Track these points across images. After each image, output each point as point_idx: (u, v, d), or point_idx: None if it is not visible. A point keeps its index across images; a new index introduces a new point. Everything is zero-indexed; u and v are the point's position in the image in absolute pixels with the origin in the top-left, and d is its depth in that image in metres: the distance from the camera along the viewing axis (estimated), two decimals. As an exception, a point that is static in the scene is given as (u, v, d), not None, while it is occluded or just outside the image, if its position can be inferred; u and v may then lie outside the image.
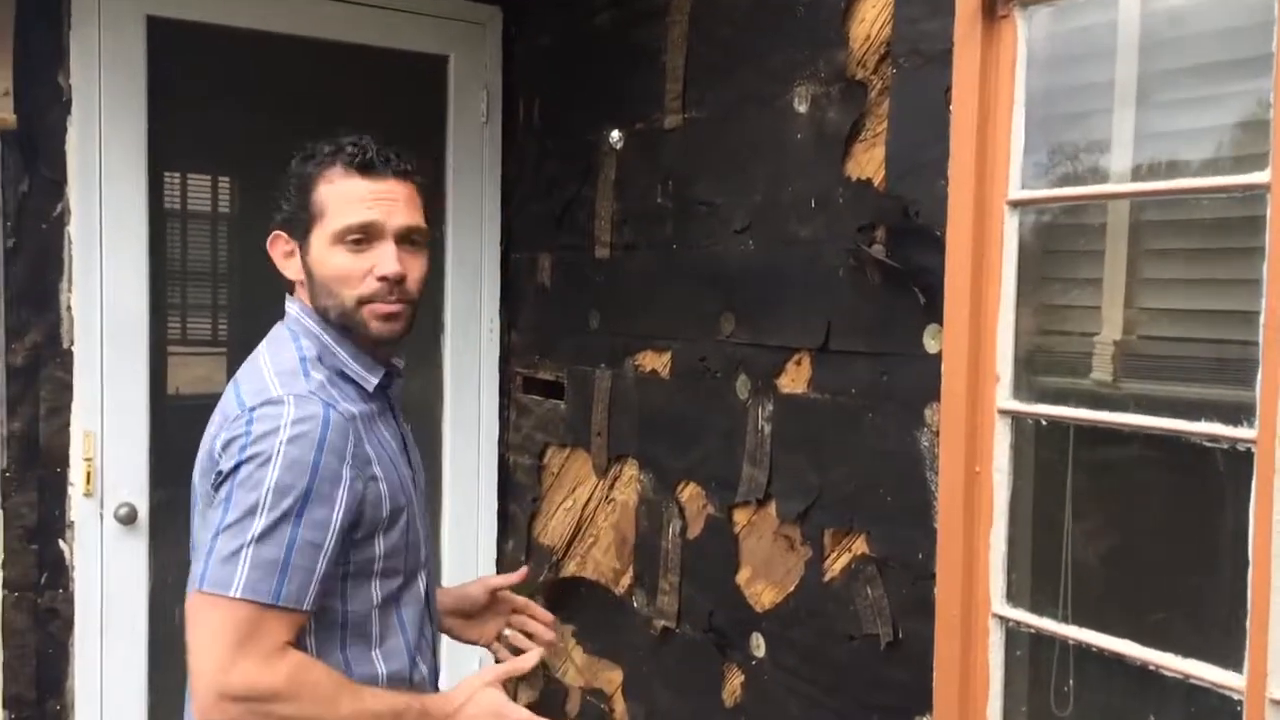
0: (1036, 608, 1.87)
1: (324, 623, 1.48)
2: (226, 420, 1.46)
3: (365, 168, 1.53)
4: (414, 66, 3.30)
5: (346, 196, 1.51)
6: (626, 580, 2.88)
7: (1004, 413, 1.88)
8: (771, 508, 2.39)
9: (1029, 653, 1.89)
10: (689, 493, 2.65)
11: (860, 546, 2.18)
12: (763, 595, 2.42)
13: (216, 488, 1.42)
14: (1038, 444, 1.86)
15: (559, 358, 3.12)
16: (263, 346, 1.59)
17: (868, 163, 2.14)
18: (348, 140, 1.57)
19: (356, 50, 3.16)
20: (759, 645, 2.43)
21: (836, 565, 2.24)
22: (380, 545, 1.51)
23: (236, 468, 1.39)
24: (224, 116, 3.07)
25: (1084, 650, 1.79)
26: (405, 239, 1.56)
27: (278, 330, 1.61)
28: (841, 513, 2.21)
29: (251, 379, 1.50)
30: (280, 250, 1.59)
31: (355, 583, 1.50)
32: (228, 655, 1.33)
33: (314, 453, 1.38)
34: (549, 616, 1.93)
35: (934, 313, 1.99)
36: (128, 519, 2.85)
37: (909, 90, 2.04)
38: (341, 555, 1.46)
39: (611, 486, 2.94)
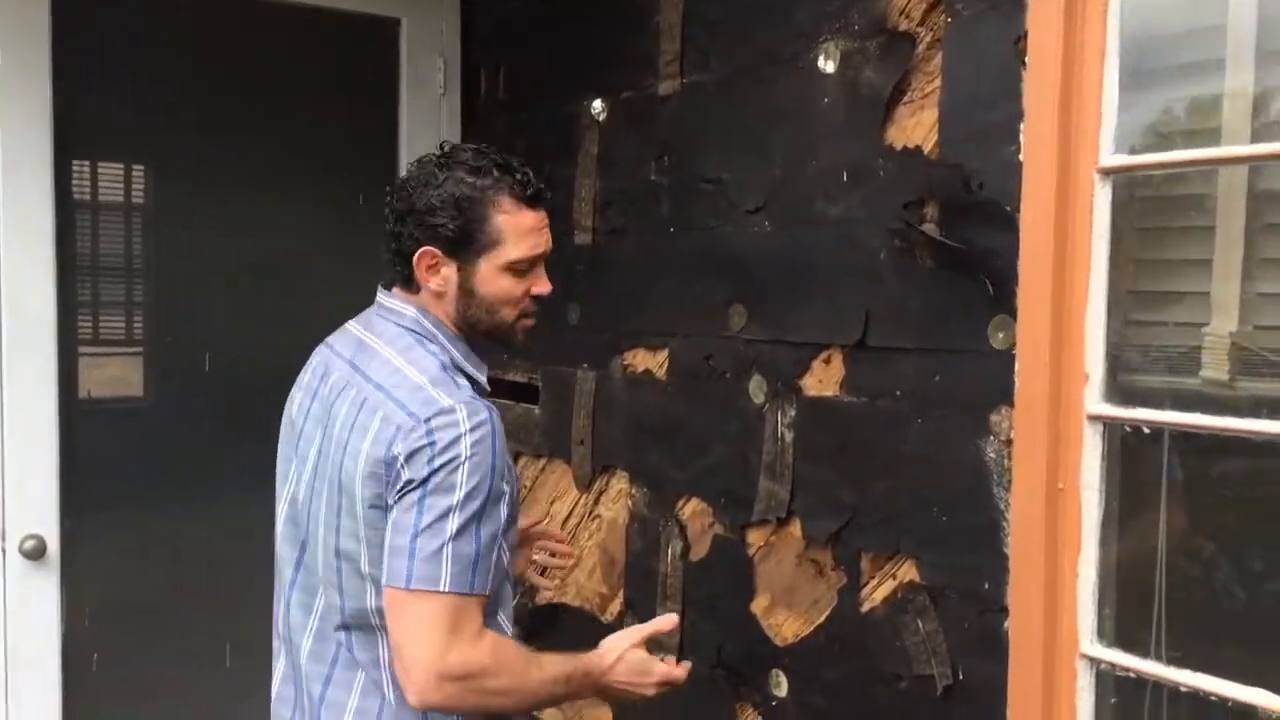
0: (1134, 647, 1.59)
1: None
2: (400, 430, 1.52)
3: (534, 200, 1.65)
4: (361, 32, 2.95)
5: (521, 230, 1.63)
6: (615, 607, 2.55)
7: (1094, 418, 1.60)
8: (795, 527, 2.09)
9: (1125, 700, 1.61)
10: (691, 509, 2.33)
11: (908, 573, 1.88)
12: (784, 627, 2.12)
13: (403, 494, 1.51)
14: (1135, 455, 1.58)
15: (531, 357, 2.78)
16: (381, 346, 1.64)
17: (914, 128, 1.84)
18: (508, 164, 1.65)
19: (295, 13, 2.82)
20: (780, 683, 2.13)
21: (878, 594, 1.94)
22: (505, 538, 1.63)
23: (428, 477, 1.49)
24: (145, 96, 2.72)
25: (1193, 697, 1.52)
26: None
27: (385, 327, 1.67)
28: (884, 534, 1.92)
29: (403, 387, 1.57)
30: (426, 264, 1.62)
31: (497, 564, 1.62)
32: (444, 641, 1.47)
33: (490, 456, 1.52)
34: (563, 536, 2.15)
35: (1002, 302, 1.70)
36: (35, 553, 2.46)
37: (968, 41, 1.75)
38: None
39: (596, 501, 2.61)
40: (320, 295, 2.92)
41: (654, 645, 2.39)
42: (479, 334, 1.69)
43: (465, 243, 1.61)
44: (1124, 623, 1.60)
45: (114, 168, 2.83)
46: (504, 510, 1.57)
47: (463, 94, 3.02)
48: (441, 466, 1.49)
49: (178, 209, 2.83)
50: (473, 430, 1.52)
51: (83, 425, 2.66)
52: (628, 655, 1.71)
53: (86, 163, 2.74)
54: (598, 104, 2.54)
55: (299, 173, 2.88)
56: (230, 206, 2.81)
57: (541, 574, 2.10)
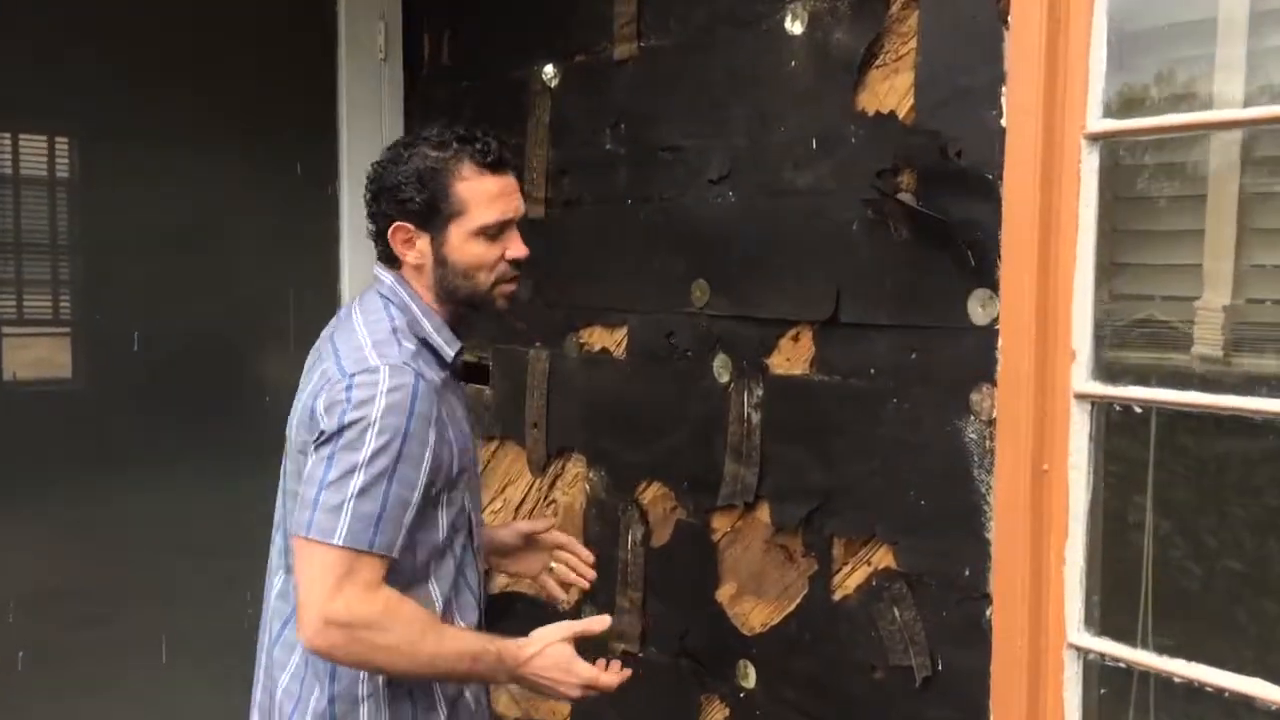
0: (1124, 636, 1.53)
1: (405, 563, 1.61)
2: (329, 382, 1.58)
3: (496, 166, 1.65)
4: (296, -8, 2.79)
5: (484, 195, 1.64)
6: (573, 595, 2.45)
7: (1082, 397, 1.53)
8: (763, 512, 2.00)
9: (1115, 691, 1.55)
10: (652, 494, 2.24)
11: (883, 559, 1.80)
12: (751, 615, 2.04)
13: (319, 446, 1.55)
14: (1124, 435, 1.51)
15: (481, 335, 2.65)
16: (356, 310, 1.69)
17: (888, 93, 1.75)
18: (469, 135, 1.65)
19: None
20: (748, 674, 2.05)
21: (851, 581, 1.86)
22: (446, 499, 1.65)
23: (340, 431, 1.53)
24: (66, 63, 2.56)
25: (1186, 688, 1.45)
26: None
27: (369, 296, 1.71)
28: (857, 519, 1.83)
29: (349, 345, 1.62)
30: (400, 239, 1.65)
31: (425, 530, 1.63)
32: (333, 587, 1.50)
33: (405, 419, 1.52)
34: (589, 556, 1.99)
35: (984, 275, 1.62)
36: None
37: (947, 0, 1.65)
38: (422, 507, 1.59)
39: (552, 485, 2.51)
40: (257, 267, 2.79)
41: (612, 634, 2.31)
42: (460, 303, 1.69)
43: (432, 214, 1.63)
44: (1113, 611, 1.53)
45: (36, 140, 2.70)
46: (420, 477, 1.56)
47: (405, 59, 2.88)
48: (353, 423, 1.53)
49: (104, 182, 2.71)
50: (390, 392, 1.53)
51: (7, 409, 2.56)
52: (551, 649, 1.66)
53: (6, 135, 2.63)
54: (549, 69, 2.42)
55: (233, 143, 2.74)
56: (160, 178, 2.67)
57: (564, 588, 2.05)
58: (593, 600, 2.39)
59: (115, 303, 2.69)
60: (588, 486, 2.39)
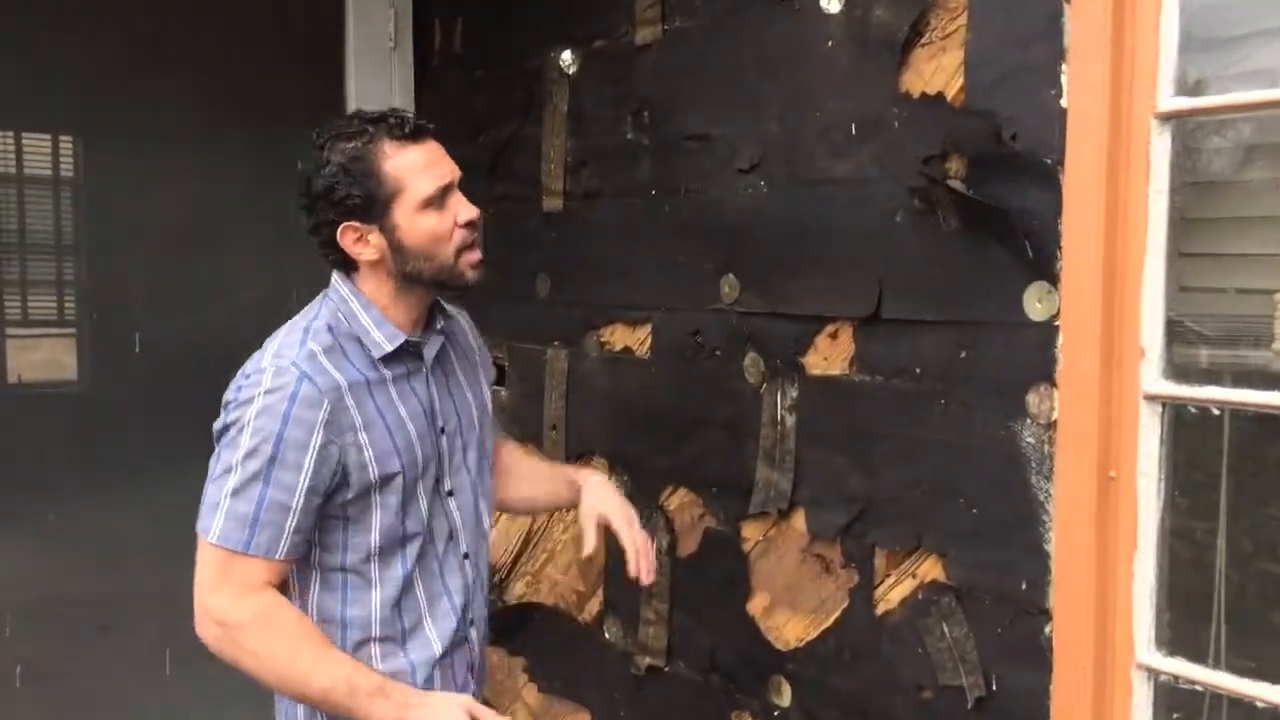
0: (1199, 656, 1.41)
1: (327, 568, 1.61)
2: (233, 381, 1.57)
3: (415, 135, 1.58)
4: (302, -20, 2.69)
5: (414, 166, 1.57)
6: (594, 606, 2.35)
7: (1152, 398, 1.41)
8: (798, 520, 1.89)
9: (1189, 716, 1.44)
10: (679, 500, 2.13)
11: (930, 571, 1.69)
12: (786, 629, 1.93)
13: (215, 440, 1.56)
14: (1199, 439, 1.40)
15: (496, 333, 2.54)
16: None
17: (934, 73, 1.63)
18: (377, 114, 1.60)
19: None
20: (783, 692, 1.93)
21: (894, 594, 1.75)
22: (375, 503, 1.59)
23: (225, 428, 1.53)
24: (71, 62, 2.48)
25: (1268, 714, 1.34)
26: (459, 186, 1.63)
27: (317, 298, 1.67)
28: (902, 528, 1.72)
29: (265, 344, 1.59)
30: (351, 239, 1.58)
31: (347, 535, 1.60)
32: (212, 582, 1.51)
33: (278, 423, 1.49)
34: (653, 563, 1.80)
35: (1041, 268, 1.51)
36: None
37: (1000, -28, 1.54)
38: (332, 511, 1.57)
39: (571, 491, 2.39)
40: (264, 268, 2.69)
41: (638, 648, 2.20)
42: (429, 285, 1.63)
43: (372, 203, 1.56)
44: (1187, 628, 1.42)
45: (40, 139, 2.65)
46: (300, 481, 1.50)
47: (415, 48, 2.77)
48: (233, 422, 1.52)
49: (108, 181, 2.63)
50: (268, 393, 1.50)
51: (14, 411, 2.52)
52: (443, 705, 1.51)
53: (10, 134, 2.58)
54: (567, 56, 2.31)
55: (239, 138, 2.65)
56: (164, 176, 2.59)
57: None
58: (613, 611, 2.28)
59: (122, 303, 2.62)
60: (609, 492, 2.28)
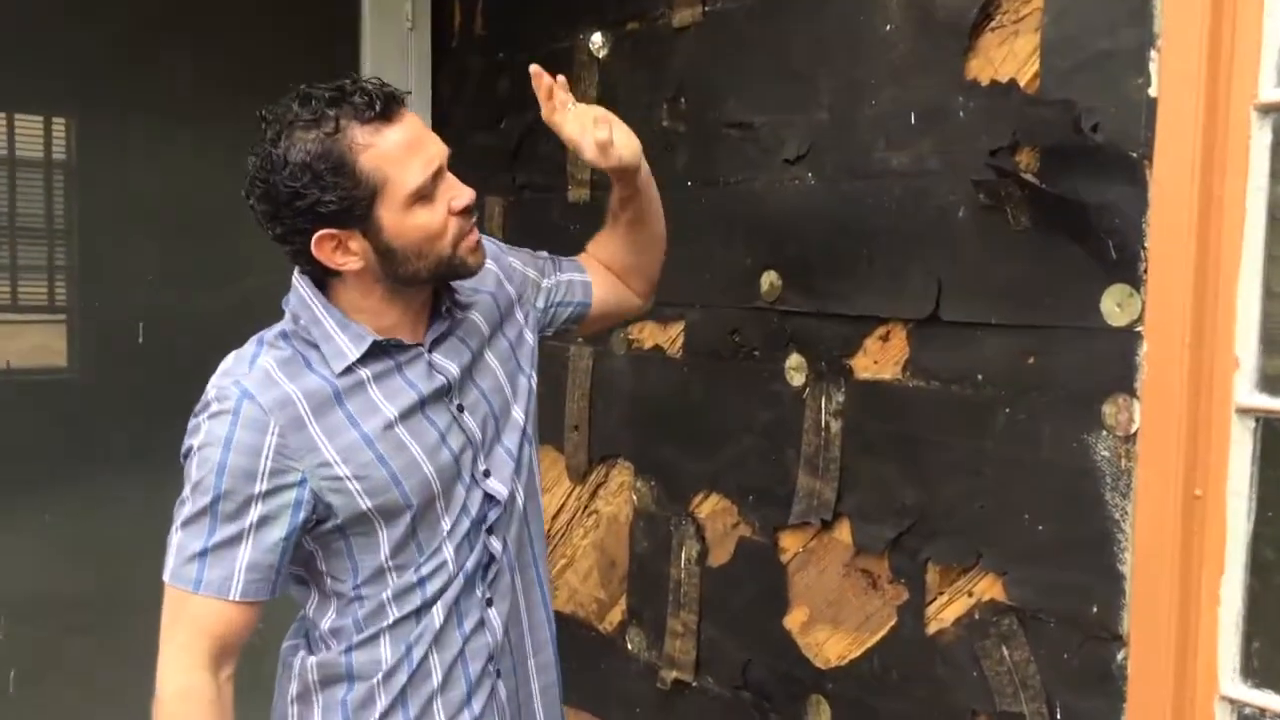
0: (1292, 689, 1.31)
1: (341, 598, 1.42)
2: None
3: (387, 112, 1.30)
4: (316, -43, 2.58)
5: (396, 155, 1.30)
6: (616, 615, 2.25)
7: (1246, 411, 1.32)
8: (843, 532, 1.79)
9: (1279, 752, 1.34)
10: (711, 507, 2.02)
11: (989, 590, 1.59)
12: (826, 647, 1.82)
13: None
14: (1296, 457, 1.30)
15: (515, 330, 2.44)
16: None
17: (1005, 59, 1.53)
18: (336, 92, 1.30)
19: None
20: (821, 711, 1.83)
21: (947, 614, 1.65)
22: (383, 534, 1.38)
23: (184, 455, 1.37)
24: (65, 40, 2.35)
25: (1367, 750, 1.25)
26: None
27: None
28: (958, 544, 1.62)
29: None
30: (328, 249, 1.33)
31: (363, 564, 1.39)
32: (165, 627, 1.35)
33: (220, 452, 1.31)
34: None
35: (1122, 269, 1.41)
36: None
37: (1082, -50, 1.43)
38: (322, 540, 1.38)
39: (594, 495, 2.29)
40: (272, 253, 2.58)
41: (665, 660, 2.10)
42: (425, 283, 1.40)
43: (351, 206, 1.30)
44: (1276, 659, 1.32)
45: (32, 121, 2.53)
46: (251, 511, 1.31)
47: (433, 29, 2.65)
48: (185, 452, 1.36)
49: (106, 165, 2.51)
50: (211, 418, 1.33)
51: (2, 398, 2.40)
52: None
53: (1, 115, 2.45)
54: (597, 38, 2.20)
55: (245, 122, 2.51)
56: (166, 160, 2.47)
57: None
58: (636, 621, 2.18)
59: (116, 290, 2.50)
60: (635, 497, 2.18)
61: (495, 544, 1.45)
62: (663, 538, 2.11)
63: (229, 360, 1.39)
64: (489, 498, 1.44)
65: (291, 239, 1.33)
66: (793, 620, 1.88)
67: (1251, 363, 1.31)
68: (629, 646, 2.21)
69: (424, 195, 1.32)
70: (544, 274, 1.66)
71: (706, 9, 1.96)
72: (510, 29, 2.45)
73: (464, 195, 1.35)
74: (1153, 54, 1.36)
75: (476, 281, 1.48)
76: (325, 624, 1.43)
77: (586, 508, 2.31)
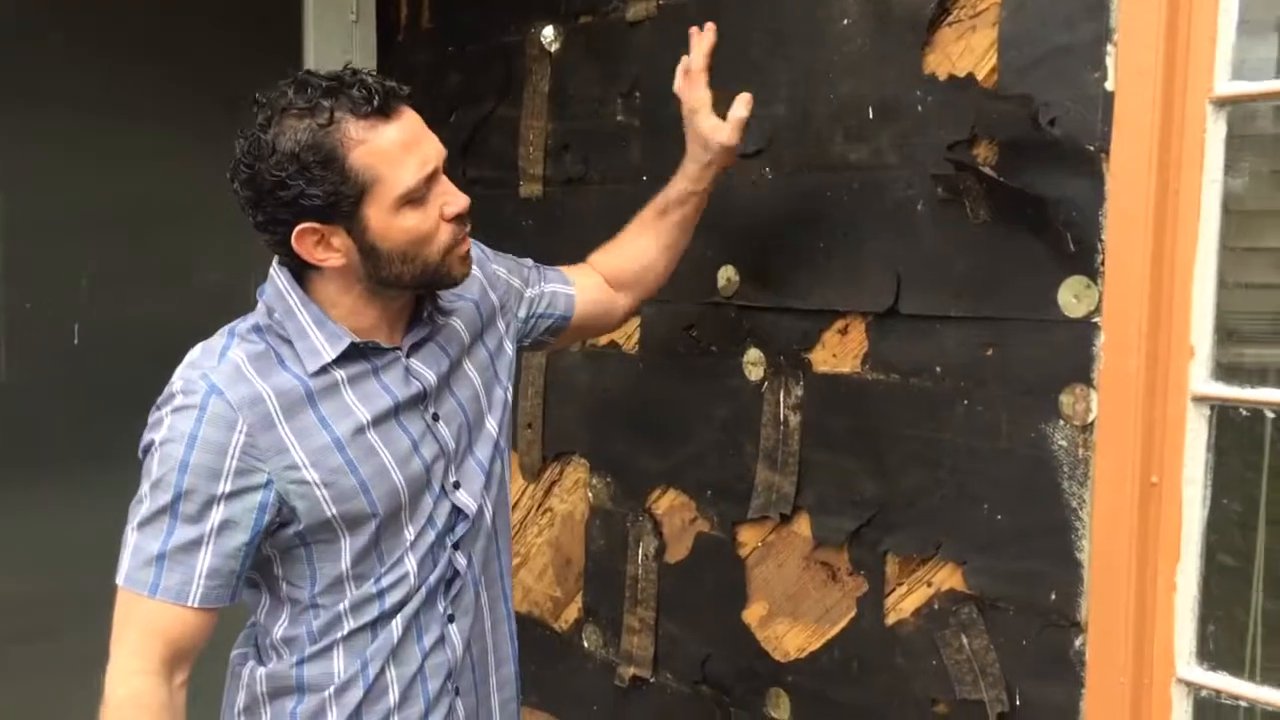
0: (1245, 671, 1.34)
1: (296, 604, 1.37)
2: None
3: (386, 108, 1.25)
4: (256, -53, 2.52)
5: (390, 154, 1.25)
6: (572, 613, 2.23)
7: (1201, 399, 1.34)
8: (802, 525, 1.79)
9: (1233, 733, 1.37)
10: (668, 503, 2.02)
11: (948, 580, 1.61)
12: (786, 640, 1.83)
13: None
14: (1249, 444, 1.33)
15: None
16: None
17: (963, 53, 1.55)
18: (340, 82, 1.25)
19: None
20: (781, 704, 1.84)
21: (907, 604, 1.66)
22: (345, 543, 1.33)
23: (143, 452, 1.31)
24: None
25: (1319, 729, 1.28)
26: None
27: None
28: (917, 534, 1.64)
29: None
30: (309, 243, 1.28)
31: (322, 572, 1.35)
32: (116, 631, 1.29)
33: (183, 448, 1.26)
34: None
35: (1079, 261, 1.43)
36: None
37: (1039, -53, 1.45)
38: (282, 545, 1.34)
39: (548, 493, 2.28)
40: (216, 252, 2.52)
41: (623, 659, 2.09)
42: (405, 288, 1.34)
43: (337, 201, 1.25)
44: (1231, 642, 1.35)
45: None
46: (213, 514, 1.26)
47: (379, 21, 2.61)
48: (145, 448, 1.31)
49: (34, 161, 2.39)
50: (175, 412, 1.27)
51: None
52: None
53: None
54: (549, 32, 2.18)
55: (188, 113, 2.46)
56: (103, 153, 2.38)
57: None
58: (593, 619, 2.17)
59: (50, 291, 2.40)
60: (590, 494, 2.17)
61: (460, 559, 1.41)
62: (619, 534, 2.10)
63: (196, 351, 1.34)
64: (457, 510, 1.41)
65: (272, 228, 1.29)
66: (752, 614, 1.88)
67: (1206, 351, 1.33)
68: (585, 644, 2.19)
69: (415, 198, 1.27)
70: (528, 283, 1.63)
71: (661, 3, 1.95)
72: (458, 22, 2.43)
73: (458, 201, 1.31)
74: (1109, 48, 1.38)
75: (461, 288, 1.45)
76: (277, 632, 1.38)
77: (541, 505, 2.29)
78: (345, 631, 1.36)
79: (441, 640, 1.40)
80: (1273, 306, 1.34)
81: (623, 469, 2.09)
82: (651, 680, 2.05)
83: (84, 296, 2.41)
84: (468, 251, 1.36)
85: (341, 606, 1.35)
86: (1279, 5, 1.31)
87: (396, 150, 1.25)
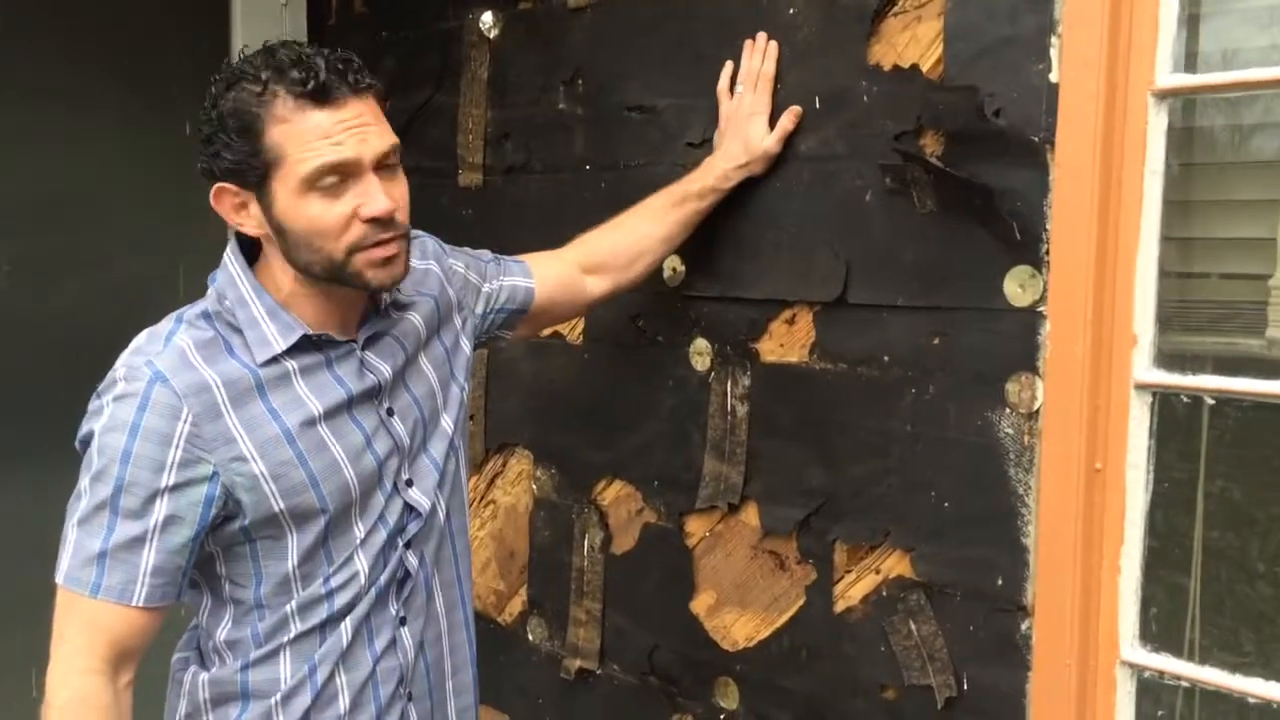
0: (1185, 652, 1.38)
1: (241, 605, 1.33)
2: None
3: (320, 95, 1.23)
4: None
5: (304, 138, 1.23)
6: (516, 606, 2.21)
7: (1143, 387, 1.37)
8: (749, 515, 1.79)
9: (1175, 713, 1.40)
10: (614, 494, 2.01)
11: (896, 567, 1.62)
12: (734, 629, 1.83)
13: None
14: (1190, 429, 1.36)
15: (403, 318, 2.37)
16: None
17: (908, 44, 1.55)
18: (285, 57, 1.24)
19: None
20: (729, 693, 1.84)
21: (855, 591, 1.67)
22: (292, 539, 1.30)
23: (82, 444, 1.27)
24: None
25: (1259, 710, 1.32)
26: (382, 164, 1.28)
27: None
28: (865, 522, 1.65)
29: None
30: (229, 204, 1.28)
31: (268, 570, 1.31)
32: (57, 631, 1.24)
33: (125, 438, 1.22)
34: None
35: (1025, 251, 1.44)
36: None
37: (983, -61, 1.46)
38: (225, 542, 1.30)
39: (490, 485, 2.25)
40: (140, 241, 2.44)
41: (569, 651, 2.08)
42: (318, 279, 1.31)
43: (246, 168, 1.25)
44: (1173, 624, 1.39)
45: None
46: (156, 508, 1.21)
47: (309, 5, 2.55)
48: (84, 438, 1.26)
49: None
50: (117, 400, 1.23)
51: None
52: None
53: None
54: (488, 18, 2.14)
55: (110, 99, 2.38)
56: (19, 140, 2.29)
57: None
58: (537, 611, 2.15)
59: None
60: (534, 486, 2.15)
61: (412, 559, 1.38)
62: (564, 526, 2.09)
63: (141, 337, 1.30)
64: (409, 508, 1.38)
65: (206, 177, 1.30)
66: (700, 604, 1.88)
67: (1149, 339, 1.36)
68: (530, 637, 2.18)
69: (322, 186, 1.24)
70: (485, 278, 1.62)
71: (604, -10, 1.94)
72: (394, 6, 2.38)
73: (375, 204, 1.25)
74: (1053, 40, 1.39)
75: (419, 283, 1.44)
76: (220, 635, 1.34)
77: (484, 498, 2.27)
78: (292, 634, 1.32)
79: (393, 644, 1.37)
80: (1211, 295, 1.37)
81: (567, 460, 2.08)
82: (598, 672, 2.04)
83: (2, 282, 2.33)
84: (387, 258, 1.29)
85: (288, 608, 1.32)
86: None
87: (312, 136, 1.23)
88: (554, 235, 2.03)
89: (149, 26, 2.44)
